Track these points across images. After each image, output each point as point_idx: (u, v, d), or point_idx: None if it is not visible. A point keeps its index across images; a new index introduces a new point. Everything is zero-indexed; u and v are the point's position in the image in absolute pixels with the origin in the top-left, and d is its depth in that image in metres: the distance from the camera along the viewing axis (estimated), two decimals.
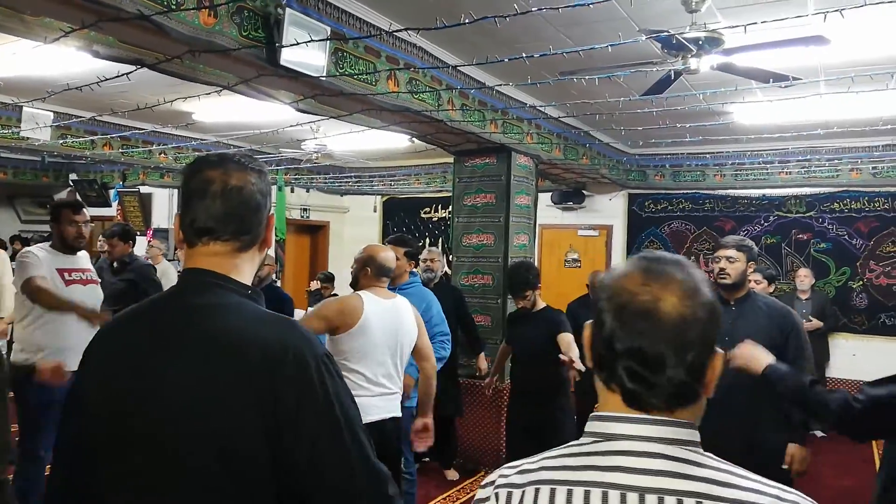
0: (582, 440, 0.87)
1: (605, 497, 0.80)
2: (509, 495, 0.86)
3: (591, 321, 0.90)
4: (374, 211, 9.34)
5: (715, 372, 0.86)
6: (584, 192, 7.75)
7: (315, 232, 9.42)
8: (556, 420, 3.70)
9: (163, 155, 7.05)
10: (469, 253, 5.40)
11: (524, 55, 2.54)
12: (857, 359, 6.27)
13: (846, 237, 6.66)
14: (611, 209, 7.86)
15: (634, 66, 3.14)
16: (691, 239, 7.41)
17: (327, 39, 2.93)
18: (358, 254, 3.00)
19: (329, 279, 6.85)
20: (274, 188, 7.86)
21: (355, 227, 9.32)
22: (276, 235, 7.93)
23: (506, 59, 2.64)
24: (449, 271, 5.70)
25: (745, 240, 3.17)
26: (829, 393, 2.07)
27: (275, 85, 3.47)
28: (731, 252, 3.04)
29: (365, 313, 2.72)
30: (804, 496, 0.83)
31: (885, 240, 6.47)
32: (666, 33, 2.76)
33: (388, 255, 2.97)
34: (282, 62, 2.93)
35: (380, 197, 9.35)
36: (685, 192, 7.39)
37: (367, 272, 2.89)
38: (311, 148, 6.14)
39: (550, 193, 7.79)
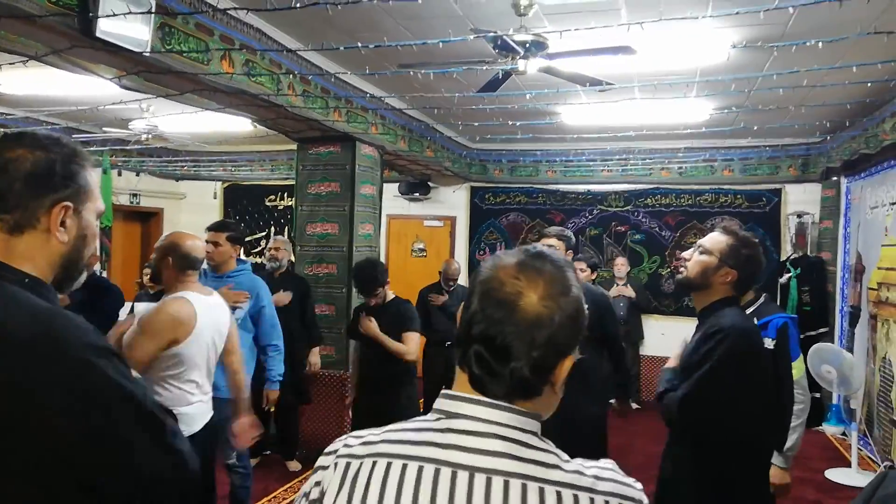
0: (428, 416, 0.89)
1: (437, 473, 0.82)
2: (348, 465, 0.87)
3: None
4: (215, 198, 8.89)
5: (564, 372, 0.88)
6: (429, 183, 7.95)
7: (147, 219, 8.78)
8: (402, 407, 3.78)
9: None
10: (313, 242, 5.34)
11: (360, 44, 2.57)
12: (665, 337, 7.04)
13: (657, 229, 7.44)
14: (454, 201, 8.13)
15: (467, 63, 3.29)
16: (526, 230, 7.88)
17: (150, 12, 2.76)
18: (159, 241, 2.63)
19: None
20: (98, 171, 7.22)
21: (193, 214, 8.80)
22: (101, 223, 7.30)
23: (341, 48, 2.65)
24: (293, 259, 5.62)
25: (565, 230, 3.47)
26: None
27: (92, 58, 3.19)
28: (553, 241, 3.32)
29: (198, 319, 2.50)
30: (618, 470, 0.88)
31: (688, 232, 7.31)
32: (493, 33, 2.92)
33: (196, 245, 2.61)
34: (98, 34, 2.70)
35: (220, 183, 8.92)
36: (521, 186, 7.84)
37: (169, 262, 2.55)
38: (140, 128, 5.70)
39: (398, 184, 7.90)
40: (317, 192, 5.34)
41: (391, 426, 0.91)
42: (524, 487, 0.80)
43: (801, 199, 6.97)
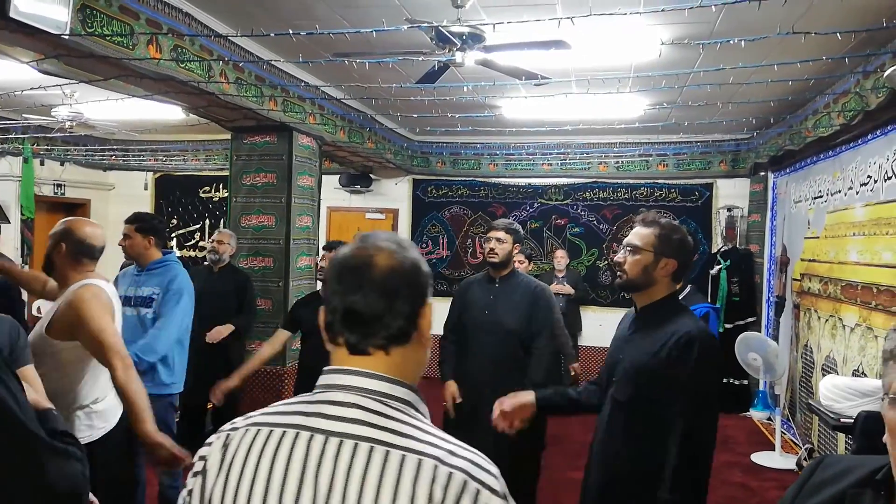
0: (310, 393, 0.97)
1: (296, 436, 0.90)
2: (228, 436, 0.95)
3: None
4: (146, 189, 8.57)
5: (427, 320, 0.97)
6: (371, 175, 7.87)
7: (72, 211, 8.36)
8: None
9: None
10: (249, 234, 5.22)
11: (291, 31, 2.51)
12: (603, 328, 7.18)
13: (595, 222, 7.60)
14: (397, 193, 8.09)
15: (404, 54, 3.26)
16: (468, 223, 7.91)
17: None
18: (53, 228, 2.43)
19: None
20: (19, 160, 6.87)
21: (122, 205, 8.42)
22: (23, 214, 6.96)
23: (272, 34, 2.58)
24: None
25: (514, 223, 3.48)
26: (579, 394, 2.28)
27: (7, 40, 3.02)
28: (501, 234, 3.34)
29: (114, 304, 2.39)
30: (480, 454, 0.91)
31: (625, 225, 7.48)
32: (427, 24, 2.90)
33: (94, 232, 2.41)
34: (12, 14, 2.55)
35: (151, 174, 8.61)
36: (463, 179, 7.85)
37: (62, 250, 2.34)
38: (63, 115, 5.43)
39: (339, 176, 7.80)
40: (252, 182, 5.22)
41: (275, 403, 0.98)
42: (371, 449, 0.86)
43: (731, 194, 7.23)
